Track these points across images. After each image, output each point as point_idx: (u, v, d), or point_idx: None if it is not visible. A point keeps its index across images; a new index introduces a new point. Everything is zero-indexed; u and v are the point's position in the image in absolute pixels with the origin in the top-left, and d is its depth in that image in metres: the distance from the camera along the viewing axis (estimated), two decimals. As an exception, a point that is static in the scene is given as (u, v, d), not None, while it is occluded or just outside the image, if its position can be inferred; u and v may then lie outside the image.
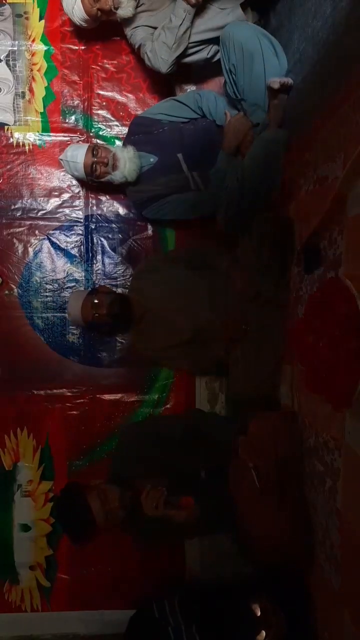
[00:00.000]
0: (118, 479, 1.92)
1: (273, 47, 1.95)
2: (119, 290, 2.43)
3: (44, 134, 2.48)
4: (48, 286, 2.49)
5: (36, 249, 2.49)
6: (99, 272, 2.49)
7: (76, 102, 2.48)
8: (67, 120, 2.48)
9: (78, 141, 2.47)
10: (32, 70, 2.47)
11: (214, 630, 1.74)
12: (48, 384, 2.45)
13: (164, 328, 2.15)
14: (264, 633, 1.62)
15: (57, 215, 2.49)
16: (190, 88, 2.45)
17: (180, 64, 2.16)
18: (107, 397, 2.45)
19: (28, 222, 2.48)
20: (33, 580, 2.40)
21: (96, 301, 2.13)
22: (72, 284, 2.49)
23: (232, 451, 1.90)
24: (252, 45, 1.90)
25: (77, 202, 2.49)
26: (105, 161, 2.11)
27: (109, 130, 2.49)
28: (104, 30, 2.42)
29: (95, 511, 1.77)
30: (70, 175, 2.34)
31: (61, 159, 2.23)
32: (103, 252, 2.49)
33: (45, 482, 2.41)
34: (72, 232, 2.50)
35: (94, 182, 2.21)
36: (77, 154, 2.14)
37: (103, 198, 2.49)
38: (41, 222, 2.49)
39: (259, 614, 1.66)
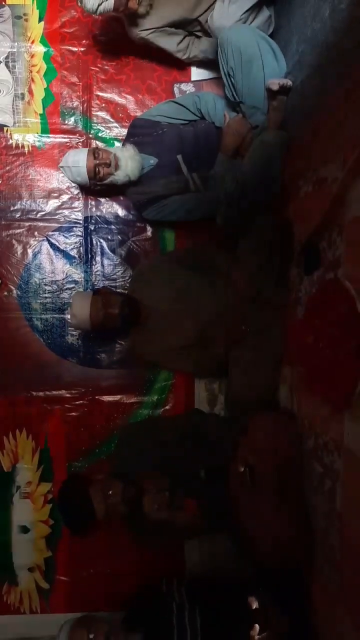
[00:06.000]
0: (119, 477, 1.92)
1: (272, 50, 1.96)
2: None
3: (43, 135, 2.48)
4: (47, 287, 2.48)
5: (35, 250, 2.49)
6: (98, 273, 2.49)
7: (75, 104, 2.48)
8: (66, 122, 2.48)
9: (77, 143, 2.48)
10: (31, 71, 2.47)
11: (215, 620, 1.75)
12: (47, 385, 2.44)
13: (167, 330, 2.13)
14: (257, 627, 1.62)
15: (56, 217, 2.49)
16: (190, 90, 2.46)
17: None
18: (106, 398, 2.45)
19: (27, 224, 2.48)
20: (32, 582, 2.40)
21: (106, 300, 2.05)
22: (71, 285, 2.48)
23: (232, 452, 1.90)
24: (251, 48, 1.91)
25: (76, 204, 2.49)
26: (108, 162, 2.10)
27: (108, 131, 2.49)
28: (103, 31, 2.43)
29: (96, 503, 1.77)
30: (72, 182, 2.31)
31: (62, 167, 2.19)
32: (102, 254, 2.49)
33: (45, 483, 2.41)
34: (71, 233, 2.50)
35: (96, 185, 2.20)
36: (79, 159, 2.12)
37: (102, 199, 2.48)
38: (40, 224, 2.48)
39: (254, 606, 1.66)
